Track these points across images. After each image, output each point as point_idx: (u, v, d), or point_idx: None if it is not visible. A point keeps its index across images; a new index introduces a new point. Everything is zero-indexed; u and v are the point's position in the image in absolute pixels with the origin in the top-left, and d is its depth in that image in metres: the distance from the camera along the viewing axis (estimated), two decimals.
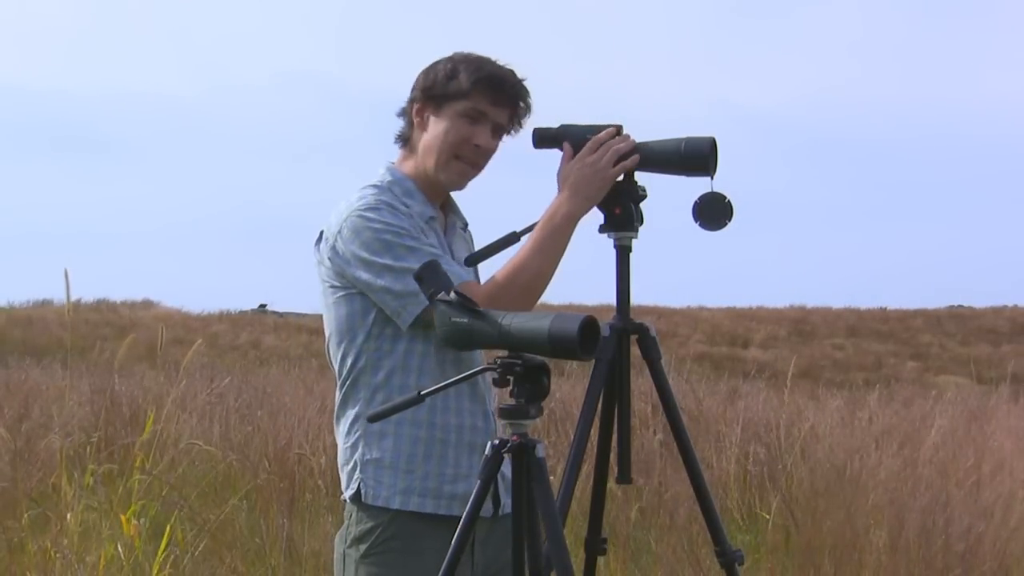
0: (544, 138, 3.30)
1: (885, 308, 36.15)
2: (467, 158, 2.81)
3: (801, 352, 26.59)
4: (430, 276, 2.60)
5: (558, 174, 2.80)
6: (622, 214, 3.20)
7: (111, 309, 30.15)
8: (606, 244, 3.25)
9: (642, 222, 3.24)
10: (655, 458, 6.80)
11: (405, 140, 2.88)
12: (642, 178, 3.24)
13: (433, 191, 2.86)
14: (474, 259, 2.99)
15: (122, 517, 5.01)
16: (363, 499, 2.77)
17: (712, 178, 3.19)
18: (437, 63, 2.83)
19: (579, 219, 2.78)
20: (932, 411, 8.56)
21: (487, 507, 2.71)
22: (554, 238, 2.78)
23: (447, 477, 2.77)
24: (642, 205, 3.24)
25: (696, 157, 3.16)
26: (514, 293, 2.77)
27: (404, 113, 2.88)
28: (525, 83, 2.85)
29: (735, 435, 7.17)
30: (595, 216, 3.25)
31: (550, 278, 2.83)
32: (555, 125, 3.30)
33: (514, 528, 2.55)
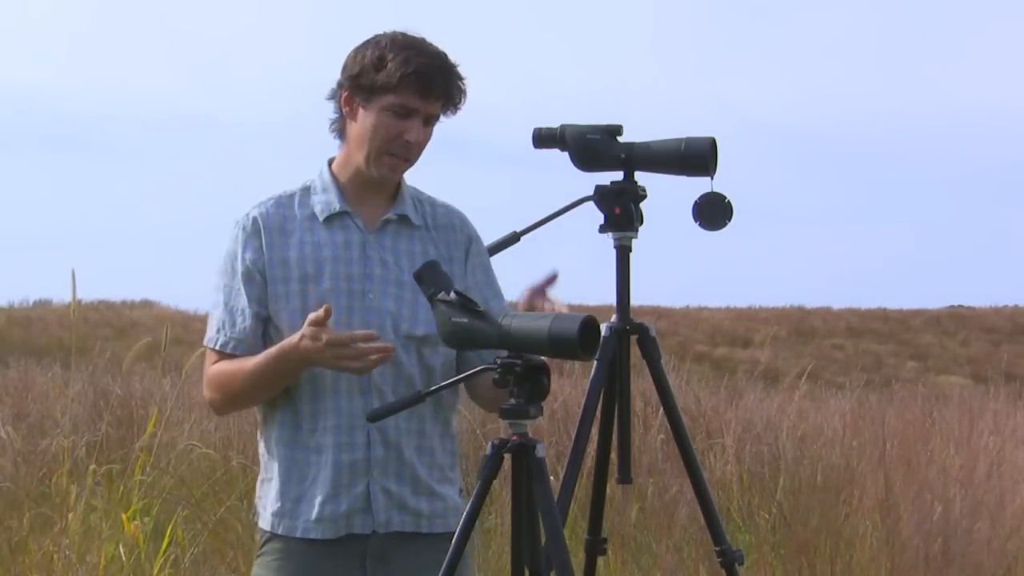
0: (544, 138, 3.31)
1: (885, 308, 36.14)
2: (398, 153, 2.73)
3: (801, 352, 26.59)
4: (430, 276, 2.61)
5: None
6: (622, 214, 3.20)
7: (111, 309, 30.13)
8: (606, 244, 3.26)
9: (642, 222, 3.25)
10: (655, 458, 6.79)
11: (340, 132, 2.81)
12: (642, 178, 3.25)
13: (365, 183, 2.78)
14: None
15: (123, 517, 5.01)
16: (254, 518, 2.85)
17: (712, 178, 3.20)
18: (364, 47, 2.72)
19: (296, 364, 2.65)
20: (932, 411, 8.55)
21: (364, 523, 2.72)
22: (270, 375, 2.69)
23: (314, 500, 2.72)
24: (642, 205, 3.25)
25: (696, 157, 3.17)
26: (219, 400, 2.80)
27: (333, 98, 2.79)
28: (456, 70, 2.74)
29: (735, 435, 7.17)
30: (595, 216, 3.26)
31: (261, 398, 2.78)
32: (555, 125, 3.31)
33: (514, 528, 2.55)
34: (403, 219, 2.81)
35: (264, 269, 2.73)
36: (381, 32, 2.75)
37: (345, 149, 2.80)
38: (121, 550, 5.04)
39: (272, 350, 2.67)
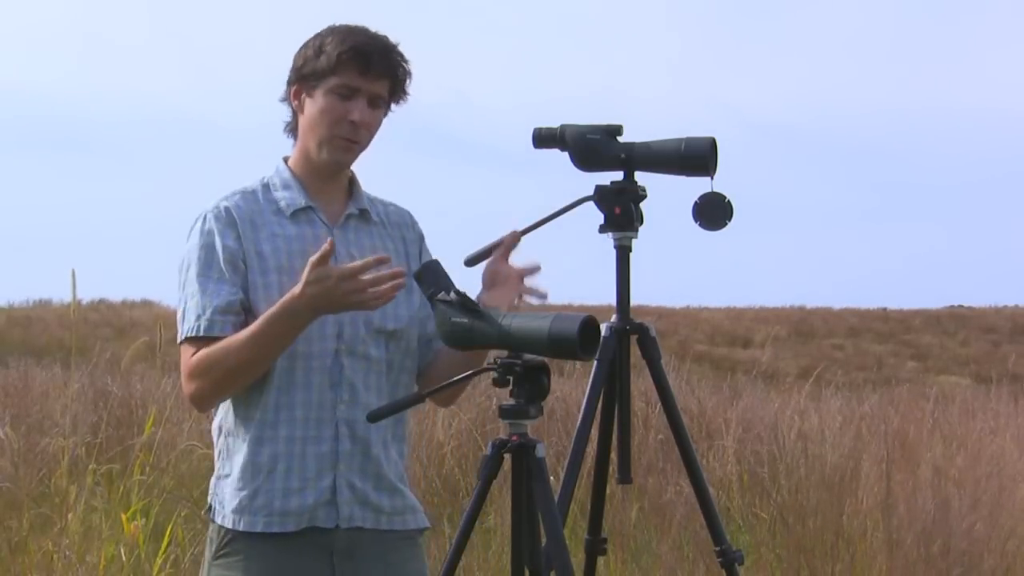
0: (544, 138, 3.31)
1: (885, 308, 36.14)
2: (346, 135, 2.72)
3: (801, 352, 26.59)
4: (430, 276, 2.61)
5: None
6: (622, 214, 3.20)
7: (111, 309, 30.12)
8: (606, 244, 3.25)
9: (642, 222, 3.24)
10: (655, 458, 6.79)
11: (293, 131, 2.81)
12: (642, 178, 3.25)
13: (321, 176, 2.78)
14: (474, 259, 2.98)
15: (123, 517, 5.01)
16: (212, 516, 2.78)
17: (712, 178, 3.20)
18: (308, 41, 2.75)
19: (301, 318, 2.60)
20: (932, 411, 8.55)
21: (329, 517, 2.68)
22: (272, 335, 2.62)
23: (277, 493, 2.69)
24: (642, 205, 3.24)
25: (696, 157, 3.17)
26: (206, 386, 2.69)
27: (285, 99, 2.80)
28: (397, 49, 2.75)
29: (735, 435, 7.17)
30: (595, 216, 3.26)
31: (257, 371, 2.69)
32: (555, 125, 3.31)
33: (514, 528, 2.55)
34: (363, 213, 2.81)
35: (244, 258, 2.70)
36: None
37: (299, 143, 2.80)
38: (121, 550, 5.04)
39: (273, 310, 2.60)
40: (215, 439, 2.81)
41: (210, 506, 2.79)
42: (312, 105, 2.73)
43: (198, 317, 2.68)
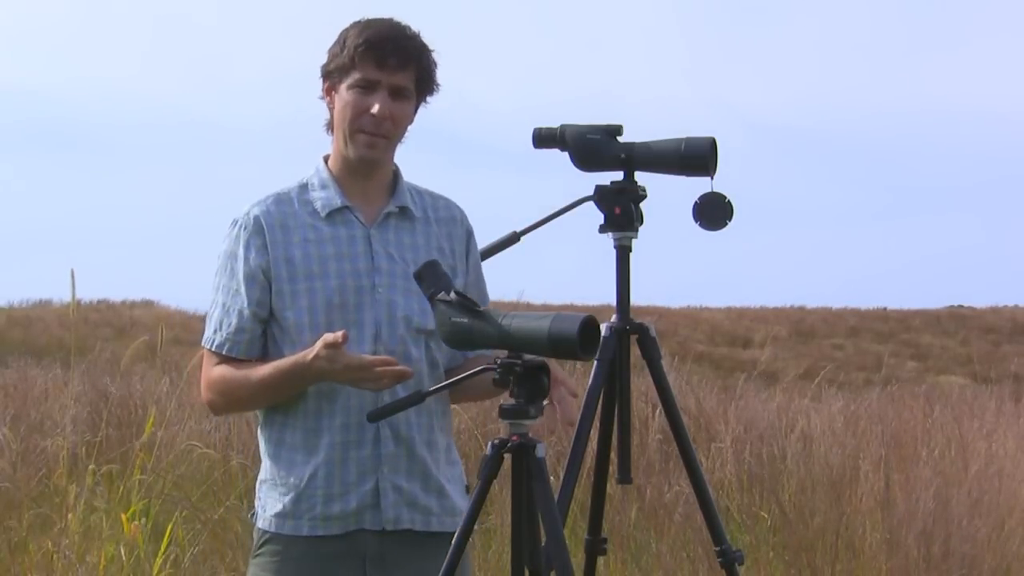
0: (544, 138, 3.31)
1: (885, 308, 36.12)
2: (369, 129, 2.72)
3: (801, 352, 26.59)
4: (430, 276, 2.60)
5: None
6: (622, 214, 3.20)
7: (111, 309, 30.09)
8: (606, 244, 3.25)
9: (642, 222, 3.24)
10: (655, 458, 6.79)
11: (330, 127, 2.82)
12: (642, 178, 3.25)
13: (357, 174, 2.79)
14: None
15: (123, 517, 5.01)
16: (254, 519, 2.81)
17: (712, 178, 3.20)
18: (338, 36, 2.77)
19: (308, 380, 2.65)
20: (932, 411, 8.55)
21: (375, 519, 2.70)
22: (280, 386, 2.69)
23: (320, 498, 2.71)
24: (642, 205, 3.24)
25: (696, 157, 3.17)
26: (220, 403, 2.80)
27: (322, 96, 2.82)
28: (417, 39, 2.74)
29: (735, 435, 7.17)
30: (595, 216, 3.25)
31: (270, 405, 2.77)
32: (555, 125, 3.31)
33: (514, 528, 2.55)
34: (403, 211, 2.80)
35: (268, 269, 2.71)
36: None
37: (334, 141, 2.81)
38: (121, 550, 5.04)
39: (283, 363, 2.65)
40: (260, 443, 2.82)
41: (254, 511, 2.81)
42: (339, 101, 2.75)
43: (215, 331, 2.74)
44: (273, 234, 2.72)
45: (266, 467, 2.79)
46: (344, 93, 2.72)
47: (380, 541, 2.72)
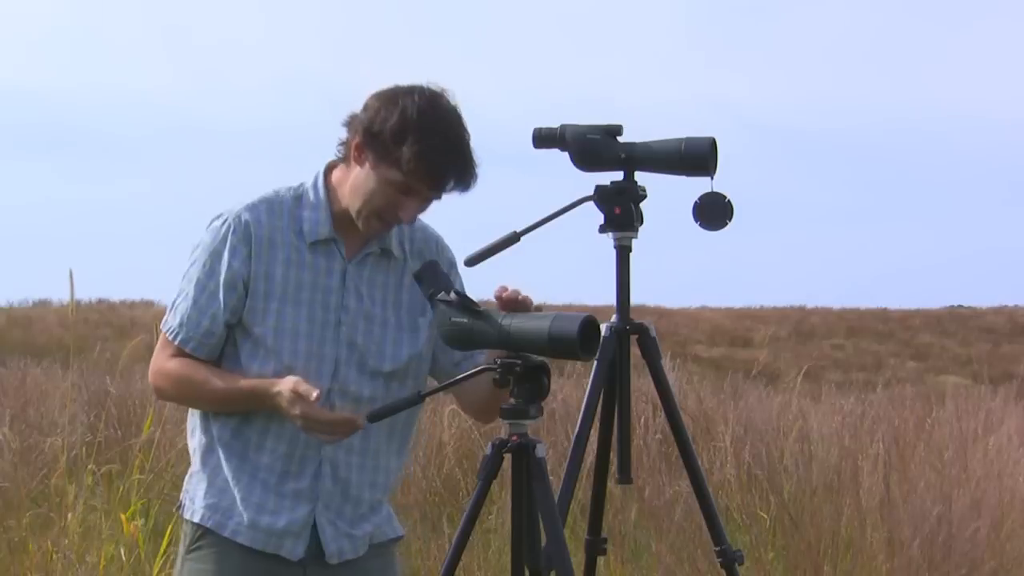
0: (544, 138, 3.30)
1: (885, 308, 36.12)
2: (388, 222, 2.68)
3: (801, 352, 26.57)
4: (430, 276, 2.60)
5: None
6: (622, 214, 3.20)
7: (111, 309, 30.10)
8: (606, 244, 3.25)
9: (642, 222, 3.24)
10: (655, 458, 6.79)
11: (345, 155, 2.71)
12: (642, 178, 3.24)
13: (351, 222, 2.71)
14: (475, 259, 2.97)
15: (122, 517, 5.01)
16: (182, 511, 2.79)
17: (712, 178, 3.20)
18: (392, 105, 2.61)
19: (267, 407, 2.63)
20: (931, 411, 8.55)
21: (295, 549, 2.68)
22: (234, 402, 2.68)
23: (251, 505, 2.69)
24: (642, 205, 3.24)
25: (696, 157, 3.16)
26: (171, 394, 2.79)
27: (347, 127, 2.70)
28: (475, 165, 2.64)
29: (735, 435, 7.16)
30: (595, 216, 3.25)
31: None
32: (555, 125, 3.30)
33: (514, 528, 2.55)
34: (384, 251, 2.76)
35: (248, 281, 2.66)
36: (412, 89, 2.64)
37: (345, 181, 2.71)
38: (121, 550, 5.03)
39: (244, 384, 2.63)
40: (193, 434, 2.79)
41: (180, 503, 2.78)
42: (369, 177, 2.64)
43: (182, 325, 2.69)
44: (259, 247, 2.67)
45: (201, 460, 2.76)
46: (379, 177, 2.63)
47: (313, 566, 2.70)
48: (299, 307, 2.67)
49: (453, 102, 2.66)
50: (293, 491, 2.69)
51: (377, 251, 2.75)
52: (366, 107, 2.67)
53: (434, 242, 2.85)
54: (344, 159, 2.72)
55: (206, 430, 2.75)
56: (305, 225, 2.71)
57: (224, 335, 2.70)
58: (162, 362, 2.73)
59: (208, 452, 2.75)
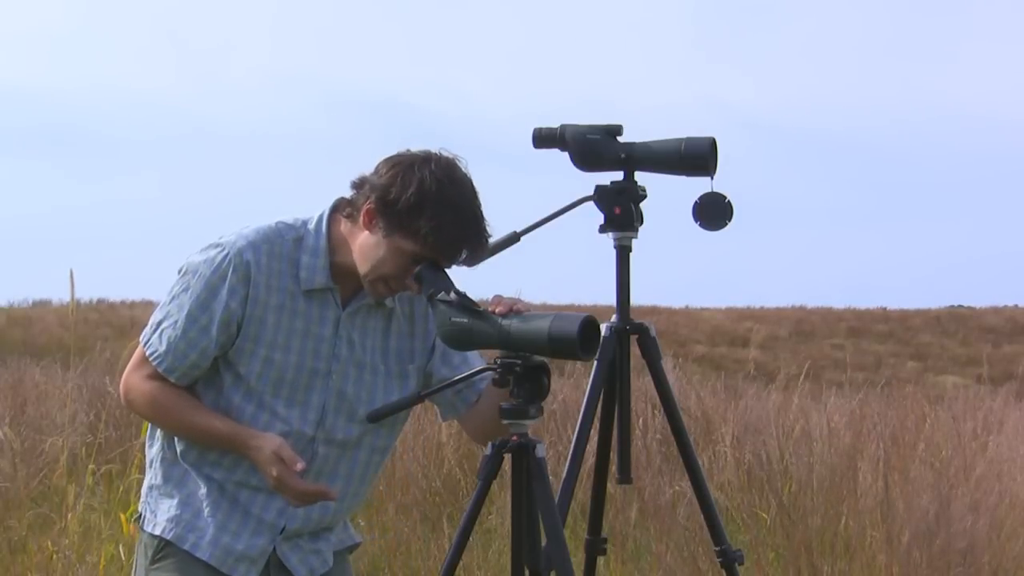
0: (544, 138, 3.31)
1: (885, 308, 36.11)
2: (395, 289, 2.66)
3: (801, 352, 26.56)
4: (430, 276, 2.60)
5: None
6: (622, 214, 3.20)
7: (111, 309, 30.09)
8: (606, 244, 3.25)
9: (642, 222, 3.24)
10: (655, 458, 6.79)
11: (353, 212, 2.66)
12: (642, 178, 3.25)
13: (353, 272, 2.68)
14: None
15: (122, 517, 5.01)
16: (143, 524, 2.77)
17: (712, 178, 3.20)
18: (408, 175, 2.57)
19: (247, 458, 2.64)
20: (932, 410, 8.54)
21: (248, 573, 2.68)
22: (210, 441, 2.67)
23: (213, 523, 2.68)
24: (642, 205, 3.24)
25: (696, 157, 3.17)
26: (142, 412, 2.76)
27: (356, 188, 2.66)
28: (487, 240, 2.63)
29: (735, 435, 7.16)
30: (595, 216, 3.25)
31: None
32: (555, 125, 3.31)
33: (514, 528, 2.55)
34: (379, 303, 2.73)
35: (242, 321, 2.64)
36: (429, 158, 2.60)
37: (351, 239, 2.66)
38: (120, 550, 5.04)
39: (224, 429, 2.62)
40: (155, 443, 2.77)
41: (140, 514, 2.77)
42: (380, 244, 2.61)
43: (168, 352, 2.65)
44: (256, 290, 2.63)
45: (159, 473, 2.74)
46: (392, 245, 2.59)
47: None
48: (288, 354, 2.66)
49: (466, 170, 2.63)
50: (256, 522, 2.68)
51: (372, 303, 2.72)
52: (379, 172, 2.62)
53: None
54: (350, 217, 2.67)
55: (168, 444, 2.74)
56: (303, 272, 2.67)
57: (208, 367, 2.68)
58: (138, 381, 2.70)
59: (171, 465, 2.73)
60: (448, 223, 2.56)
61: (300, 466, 2.55)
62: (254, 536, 2.68)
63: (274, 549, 2.70)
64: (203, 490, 2.69)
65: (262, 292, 2.64)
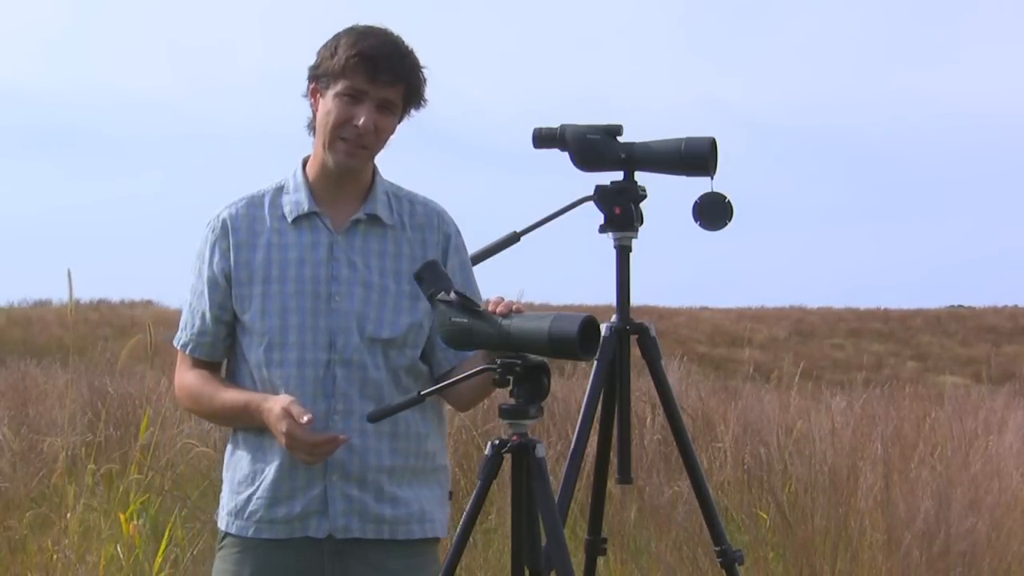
0: (544, 138, 3.31)
1: (885, 308, 36.12)
2: (350, 139, 2.68)
3: (801, 352, 26.56)
4: (430, 276, 2.60)
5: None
6: (622, 214, 3.20)
7: (111, 309, 30.10)
8: (606, 244, 3.25)
9: (642, 222, 3.24)
10: (655, 458, 6.78)
11: (311, 128, 2.77)
12: (642, 178, 3.25)
13: (331, 178, 2.74)
14: (475, 259, 2.97)
15: (122, 517, 5.01)
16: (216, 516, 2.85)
17: (712, 178, 3.20)
18: (330, 39, 2.72)
19: (261, 424, 2.67)
20: (932, 410, 8.54)
21: (320, 527, 2.67)
22: (235, 417, 2.74)
23: (265, 501, 2.71)
24: (642, 205, 3.24)
25: (696, 157, 3.17)
26: (191, 408, 2.89)
27: (307, 95, 2.76)
28: (411, 55, 2.70)
29: (735, 435, 7.16)
30: (595, 216, 3.25)
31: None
32: (555, 125, 3.31)
33: (514, 528, 2.55)
34: (373, 219, 2.75)
35: (230, 273, 2.71)
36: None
37: (314, 143, 2.77)
38: (120, 550, 5.03)
39: (238, 399, 2.68)
40: (228, 442, 2.87)
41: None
42: (323, 106, 2.70)
43: (182, 331, 2.79)
44: (237, 237, 2.72)
45: (225, 464, 2.83)
46: (330, 99, 2.68)
47: (335, 544, 2.69)
48: (284, 284, 2.69)
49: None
50: (305, 470, 2.67)
51: (364, 218, 2.74)
52: (313, 63, 2.76)
53: (435, 215, 2.82)
54: (312, 131, 2.77)
55: (232, 434, 2.82)
56: (286, 208, 2.75)
57: (222, 333, 2.75)
58: (177, 377, 2.84)
59: (230, 457, 2.80)
60: (360, 41, 2.65)
61: (307, 419, 2.54)
62: (308, 489, 2.68)
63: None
64: (254, 470, 2.72)
65: (244, 235, 2.73)
